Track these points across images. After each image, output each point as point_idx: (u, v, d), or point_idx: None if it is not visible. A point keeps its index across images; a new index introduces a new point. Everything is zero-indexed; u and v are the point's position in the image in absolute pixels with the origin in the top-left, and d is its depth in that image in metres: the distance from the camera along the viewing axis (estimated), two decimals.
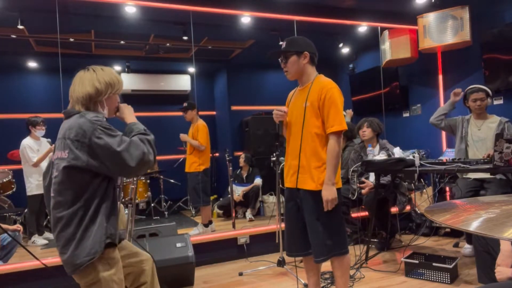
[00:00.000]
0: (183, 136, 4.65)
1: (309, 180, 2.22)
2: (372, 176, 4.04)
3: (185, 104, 4.66)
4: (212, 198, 5.86)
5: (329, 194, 2.15)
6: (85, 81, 1.77)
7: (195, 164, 4.57)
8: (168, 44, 5.85)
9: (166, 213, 6.00)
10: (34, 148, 4.48)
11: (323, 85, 2.22)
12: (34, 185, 4.47)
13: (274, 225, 3.97)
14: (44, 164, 4.52)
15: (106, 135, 1.64)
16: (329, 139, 2.20)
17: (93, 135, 1.63)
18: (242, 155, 5.89)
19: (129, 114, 1.89)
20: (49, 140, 4.63)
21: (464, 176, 3.58)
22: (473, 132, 3.57)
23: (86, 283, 1.66)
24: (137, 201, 5.08)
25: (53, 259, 3.27)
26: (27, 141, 4.48)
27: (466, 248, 3.60)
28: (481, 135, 3.52)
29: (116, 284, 1.70)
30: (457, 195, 3.49)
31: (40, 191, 4.50)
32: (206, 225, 4.56)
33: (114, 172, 1.70)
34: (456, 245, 3.91)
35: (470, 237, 3.58)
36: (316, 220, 2.20)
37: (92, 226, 1.64)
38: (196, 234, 4.33)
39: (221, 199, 6.05)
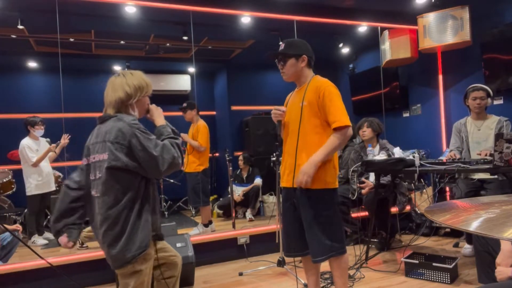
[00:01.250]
0: (183, 136, 4.64)
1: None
2: (372, 176, 4.04)
3: (184, 104, 4.66)
4: (212, 198, 5.86)
5: (305, 168, 2.13)
6: (116, 86, 1.89)
7: (194, 164, 4.57)
8: (168, 44, 5.85)
9: (166, 213, 6.00)
10: (33, 148, 4.47)
11: (319, 84, 2.23)
12: (33, 185, 4.46)
13: (274, 225, 3.96)
14: (43, 164, 4.52)
15: (144, 138, 1.76)
16: (333, 134, 2.17)
17: (132, 137, 1.75)
18: (240, 157, 5.89)
19: (158, 116, 2.01)
20: (48, 139, 4.62)
21: (467, 177, 3.55)
22: (473, 133, 3.53)
23: (124, 273, 1.81)
24: None
25: (53, 258, 3.27)
26: (26, 141, 4.47)
27: (466, 248, 3.60)
28: (481, 136, 3.47)
29: (147, 277, 1.84)
30: (457, 195, 3.48)
31: (40, 191, 4.50)
32: (206, 225, 4.56)
33: (149, 173, 1.81)
34: (456, 245, 3.91)
35: (470, 237, 3.58)
36: (313, 219, 2.20)
37: (139, 222, 1.77)
38: (196, 234, 4.33)
39: (221, 199, 6.05)
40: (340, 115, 2.16)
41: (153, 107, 2.02)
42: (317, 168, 2.14)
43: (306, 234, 2.25)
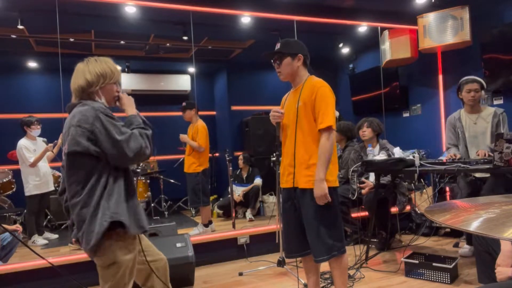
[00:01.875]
0: (182, 137, 4.64)
1: (305, 179, 2.22)
2: (372, 176, 4.04)
3: (183, 104, 4.66)
4: (212, 198, 5.86)
5: (319, 190, 2.15)
6: (78, 73, 1.83)
7: (194, 165, 4.57)
8: (168, 44, 5.85)
9: (166, 213, 6.00)
10: (30, 148, 4.46)
11: (313, 84, 2.25)
12: (32, 185, 4.45)
13: (274, 225, 3.96)
14: (41, 164, 4.51)
15: (108, 122, 1.68)
16: (320, 136, 2.20)
17: (95, 120, 1.67)
18: (240, 156, 5.89)
19: (129, 106, 1.91)
20: (45, 139, 4.61)
21: (467, 174, 3.51)
22: (469, 127, 3.43)
23: (104, 264, 1.73)
24: None
25: (53, 258, 3.27)
26: (23, 142, 4.45)
27: (464, 248, 3.59)
28: (478, 130, 3.40)
29: (128, 270, 1.75)
30: (459, 196, 3.48)
31: (38, 191, 4.49)
32: (206, 225, 4.56)
33: (111, 159, 1.71)
34: (456, 245, 3.91)
35: (470, 238, 3.58)
36: (314, 219, 2.21)
37: (100, 208, 1.68)
38: (196, 234, 4.33)
39: (221, 199, 6.05)
40: (328, 117, 2.18)
41: (124, 96, 1.93)
42: (323, 182, 2.15)
43: (308, 234, 2.25)
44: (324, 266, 3.25)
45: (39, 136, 4.61)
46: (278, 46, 2.32)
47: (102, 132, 1.67)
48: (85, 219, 1.68)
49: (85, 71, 1.81)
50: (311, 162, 2.22)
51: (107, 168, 1.73)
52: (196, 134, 4.53)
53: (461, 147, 3.49)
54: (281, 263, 3.46)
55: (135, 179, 2.64)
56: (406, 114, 5.65)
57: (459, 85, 3.45)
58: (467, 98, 3.38)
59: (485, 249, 2.24)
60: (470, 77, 3.41)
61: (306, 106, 2.23)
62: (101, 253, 1.71)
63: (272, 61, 2.35)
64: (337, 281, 2.33)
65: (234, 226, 4.33)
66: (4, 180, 4.72)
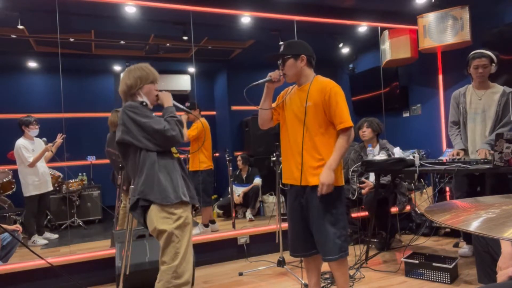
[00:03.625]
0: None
1: (315, 177, 2.22)
2: (372, 176, 4.04)
3: (187, 104, 4.67)
4: (212, 198, 5.86)
5: (326, 177, 2.16)
6: (121, 80, 2.22)
7: (196, 163, 4.60)
8: (168, 44, 5.85)
9: None
10: (29, 148, 4.44)
11: (324, 85, 2.25)
12: (31, 186, 4.44)
13: (274, 225, 3.97)
14: (39, 164, 4.50)
15: (132, 112, 2.05)
16: (339, 135, 2.23)
17: (123, 114, 2.07)
18: (238, 157, 5.89)
19: (166, 101, 2.25)
20: (45, 139, 4.61)
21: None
22: (472, 103, 3.29)
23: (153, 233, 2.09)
24: None
25: (53, 259, 3.27)
26: (21, 142, 4.44)
27: (464, 248, 3.58)
28: (480, 107, 3.26)
29: (181, 242, 2.07)
30: (455, 192, 3.46)
31: (37, 191, 4.48)
32: (206, 225, 4.56)
33: (141, 143, 2.06)
34: (456, 245, 3.91)
35: (467, 237, 3.57)
36: (324, 218, 2.21)
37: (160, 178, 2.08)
38: (196, 234, 4.33)
39: (221, 199, 6.05)
40: (346, 117, 2.21)
41: (161, 93, 2.26)
42: (333, 172, 2.18)
43: (317, 233, 2.25)
44: (324, 266, 3.25)
45: (37, 136, 4.61)
46: (281, 48, 2.33)
47: (127, 120, 2.05)
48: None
49: (125, 77, 2.19)
50: (319, 162, 2.23)
51: (149, 154, 2.09)
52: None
53: (462, 125, 3.38)
54: (281, 263, 3.46)
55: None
56: (406, 114, 5.65)
57: (467, 60, 3.28)
58: (475, 74, 3.24)
59: (485, 249, 2.24)
60: (478, 51, 3.24)
61: (317, 106, 2.23)
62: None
63: (278, 63, 2.35)
64: (339, 280, 2.34)
65: (234, 226, 4.33)
66: (4, 180, 4.72)
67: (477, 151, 3.21)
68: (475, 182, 3.37)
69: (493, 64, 3.22)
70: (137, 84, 2.16)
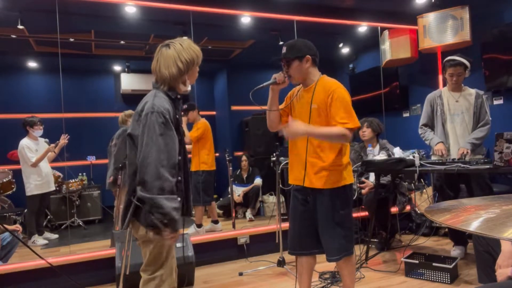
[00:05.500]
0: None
1: (321, 180, 2.19)
2: (372, 176, 4.04)
3: (185, 106, 4.66)
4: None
5: (297, 127, 2.09)
6: (168, 61, 1.81)
7: (196, 163, 4.60)
8: None
9: None
10: (32, 148, 4.47)
11: (328, 86, 2.20)
12: (33, 185, 4.45)
13: (274, 225, 3.96)
14: (42, 164, 4.51)
15: (157, 122, 1.68)
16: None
17: (146, 114, 1.70)
18: (243, 157, 5.88)
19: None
20: (47, 140, 4.62)
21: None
22: (450, 104, 3.44)
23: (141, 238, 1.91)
24: None
25: (53, 259, 3.27)
26: (25, 142, 4.46)
27: (454, 250, 3.56)
28: (460, 108, 3.41)
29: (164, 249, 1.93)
30: (437, 185, 3.50)
31: (39, 191, 4.49)
32: (198, 226, 4.57)
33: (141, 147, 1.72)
34: None
35: (456, 238, 3.58)
36: (331, 220, 2.19)
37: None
38: (193, 233, 4.34)
39: (221, 199, 6.05)
40: (353, 118, 2.14)
41: None
42: (306, 129, 2.12)
43: (323, 233, 2.23)
44: (324, 266, 3.26)
45: (41, 136, 4.62)
46: (284, 50, 2.26)
47: (145, 125, 1.71)
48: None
49: (176, 59, 1.81)
50: (324, 165, 2.19)
51: None
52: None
53: (438, 126, 3.50)
54: (281, 263, 3.46)
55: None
56: (406, 114, 5.65)
57: (443, 65, 3.45)
58: (450, 81, 3.41)
59: (485, 249, 2.24)
60: (452, 59, 3.36)
61: (320, 108, 2.19)
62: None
63: (282, 65, 2.29)
64: (345, 279, 2.34)
65: (234, 226, 4.33)
66: (4, 180, 4.72)
67: (459, 150, 3.27)
68: (456, 186, 3.47)
69: (467, 71, 3.38)
70: (189, 69, 1.84)
